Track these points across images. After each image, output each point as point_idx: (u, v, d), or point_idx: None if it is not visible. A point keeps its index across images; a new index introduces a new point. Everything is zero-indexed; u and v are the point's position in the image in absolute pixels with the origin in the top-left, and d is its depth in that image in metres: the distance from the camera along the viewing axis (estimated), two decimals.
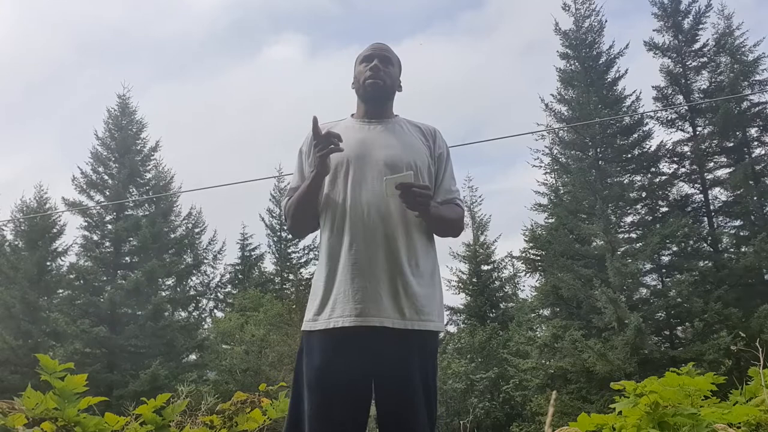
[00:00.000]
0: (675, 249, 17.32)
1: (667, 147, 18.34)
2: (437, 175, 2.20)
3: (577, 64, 18.63)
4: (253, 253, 30.71)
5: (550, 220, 19.07)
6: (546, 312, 18.95)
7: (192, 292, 23.75)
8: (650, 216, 18.05)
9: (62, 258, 21.35)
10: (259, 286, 27.21)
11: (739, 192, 17.65)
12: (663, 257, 17.36)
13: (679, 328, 17.14)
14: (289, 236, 29.11)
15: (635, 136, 18.22)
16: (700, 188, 18.35)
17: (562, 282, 16.48)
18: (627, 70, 18.59)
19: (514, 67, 42.77)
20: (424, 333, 2.05)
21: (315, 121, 2.01)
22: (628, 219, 18.18)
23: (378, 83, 2.18)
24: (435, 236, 2.24)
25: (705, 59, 18.49)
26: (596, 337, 15.57)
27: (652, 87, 18.67)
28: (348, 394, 1.94)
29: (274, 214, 29.94)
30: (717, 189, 18.39)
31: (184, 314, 22.58)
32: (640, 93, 18.40)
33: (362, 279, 1.99)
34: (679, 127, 18.64)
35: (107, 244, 21.24)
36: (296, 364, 2.10)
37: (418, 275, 2.06)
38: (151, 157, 22.22)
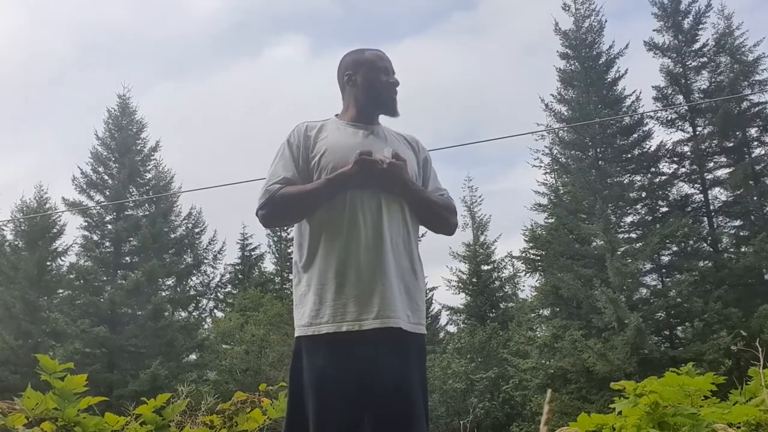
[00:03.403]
0: (675, 249, 17.32)
1: (667, 147, 18.36)
2: (424, 179, 2.27)
3: (577, 64, 18.63)
4: (253, 253, 30.74)
5: (550, 220, 19.06)
6: (546, 312, 18.94)
7: (192, 292, 23.73)
8: (650, 216, 18.06)
9: (62, 258, 21.39)
10: (259, 286, 27.21)
11: (739, 192, 17.66)
12: (663, 257, 17.36)
13: (679, 328, 17.14)
14: (290, 236, 29.10)
15: (635, 136, 18.23)
16: (700, 188, 18.36)
17: (562, 282, 16.48)
18: (627, 70, 18.63)
19: (514, 67, 42.78)
20: (421, 337, 2.09)
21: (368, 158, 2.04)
22: (628, 219, 18.21)
23: (397, 102, 2.25)
24: (429, 231, 2.26)
25: (705, 59, 18.49)
26: (596, 337, 15.57)
27: (652, 87, 18.70)
28: (353, 396, 1.92)
29: None
30: (717, 189, 18.42)
31: (184, 314, 22.57)
32: (640, 93, 18.45)
33: (378, 282, 1.99)
34: (679, 127, 18.65)
35: (107, 244, 21.23)
36: (292, 367, 2.07)
37: (417, 280, 2.11)
38: (151, 157, 22.22)
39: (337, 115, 2.28)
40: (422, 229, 2.28)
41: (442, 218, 2.24)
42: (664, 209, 18.19)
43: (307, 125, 2.21)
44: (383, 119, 2.29)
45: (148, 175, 22.12)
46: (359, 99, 2.23)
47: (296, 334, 2.08)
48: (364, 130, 2.20)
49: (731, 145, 18.20)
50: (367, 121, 2.23)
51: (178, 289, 22.50)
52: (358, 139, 2.15)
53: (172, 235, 22.43)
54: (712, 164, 18.49)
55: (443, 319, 29.01)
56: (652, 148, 18.19)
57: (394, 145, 2.19)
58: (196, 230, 24.00)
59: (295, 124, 2.24)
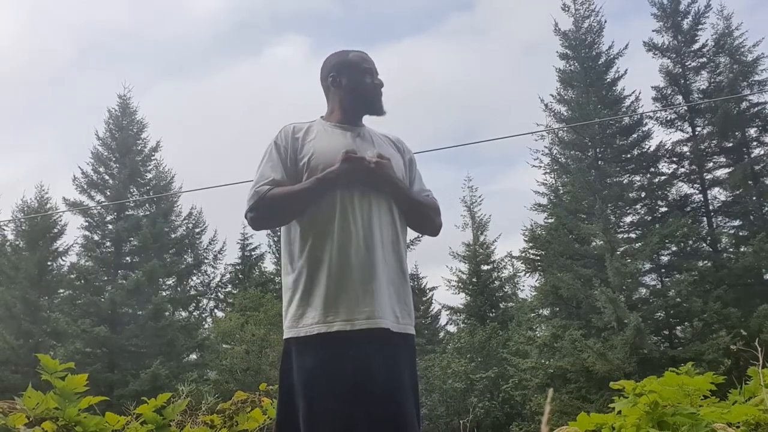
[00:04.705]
0: (674, 249, 17.33)
1: (666, 147, 18.38)
2: (410, 180, 2.28)
3: (576, 64, 18.64)
4: (253, 253, 30.70)
5: (549, 220, 19.07)
6: (546, 312, 18.95)
7: (192, 292, 23.75)
8: (649, 216, 18.07)
9: (63, 258, 21.40)
10: (260, 285, 27.16)
11: (738, 192, 17.67)
12: (662, 257, 17.37)
13: (679, 327, 17.15)
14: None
15: (634, 136, 18.24)
16: (700, 188, 18.37)
17: (561, 282, 16.49)
18: (626, 70, 18.65)
19: (514, 67, 42.74)
20: (411, 336, 2.10)
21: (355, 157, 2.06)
22: (628, 219, 18.22)
23: (382, 102, 2.26)
24: (413, 231, 2.27)
25: (704, 59, 18.51)
26: (596, 337, 15.58)
27: (652, 87, 18.74)
28: (344, 396, 1.92)
29: None
30: (716, 189, 18.45)
31: (184, 314, 22.58)
32: (640, 93, 18.48)
33: (369, 283, 2.00)
34: (679, 128, 18.67)
35: (108, 244, 21.24)
36: (282, 368, 2.08)
37: (405, 280, 2.12)
38: (152, 157, 22.24)
39: (322, 117, 2.28)
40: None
41: (427, 218, 2.25)
42: (664, 209, 18.21)
43: (294, 127, 2.21)
44: (368, 121, 2.30)
45: (149, 175, 22.14)
46: (344, 101, 2.24)
47: (285, 336, 2.07)
48: (351, 132, 2.21)
49: (730, 145, 18.22)
50: (353, 122, 2.24)
51: (179, 289, 22.50)
52: (345, 141, 2.16)
53: (173, 235, 22.44)
54: (711, 164, 18.51)
55: (443, 318, 29.06)
56: (652, 149, 18.23)
57: (380, 147, 2.21)
58: (197, 230, 24.02)
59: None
